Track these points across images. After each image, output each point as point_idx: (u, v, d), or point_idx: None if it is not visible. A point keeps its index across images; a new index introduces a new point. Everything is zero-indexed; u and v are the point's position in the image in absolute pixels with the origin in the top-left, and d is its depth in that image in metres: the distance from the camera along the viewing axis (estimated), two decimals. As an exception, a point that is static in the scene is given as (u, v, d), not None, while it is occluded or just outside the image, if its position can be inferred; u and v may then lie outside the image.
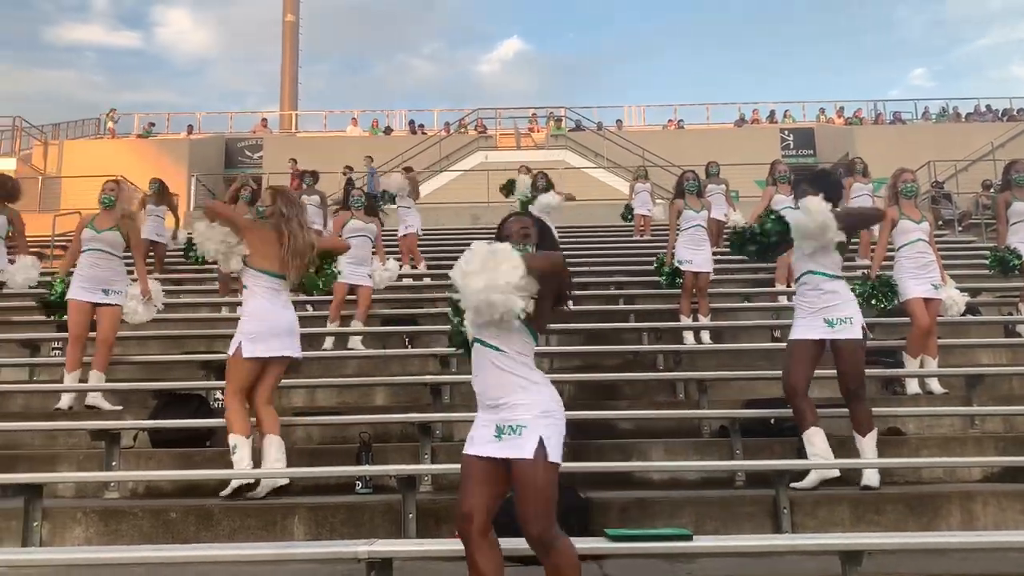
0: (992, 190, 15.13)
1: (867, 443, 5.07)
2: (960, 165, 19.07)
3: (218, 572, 3.96)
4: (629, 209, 14.14)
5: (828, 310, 4.99)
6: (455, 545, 4.01)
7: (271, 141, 25.85)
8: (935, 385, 6.73)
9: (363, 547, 3.53)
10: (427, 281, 11.10)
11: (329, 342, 8.25)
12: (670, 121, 27.79)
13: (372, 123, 27.72)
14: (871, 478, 5.04)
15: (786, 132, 25.52)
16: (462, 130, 26.19)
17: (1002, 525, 4.82)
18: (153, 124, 27.45)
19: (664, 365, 7.75)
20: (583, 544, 3.76)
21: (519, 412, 2.98)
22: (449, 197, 19.75)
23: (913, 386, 6.71)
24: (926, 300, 6.58)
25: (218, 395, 6.53)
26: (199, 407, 6.41)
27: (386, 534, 4.63)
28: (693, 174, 8.77)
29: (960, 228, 13.91)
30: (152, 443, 6.14)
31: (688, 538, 3.60)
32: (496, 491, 3.00)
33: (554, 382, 7.43)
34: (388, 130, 27.30)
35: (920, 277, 6.59)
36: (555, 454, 2.96)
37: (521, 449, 2.92)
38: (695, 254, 8.35)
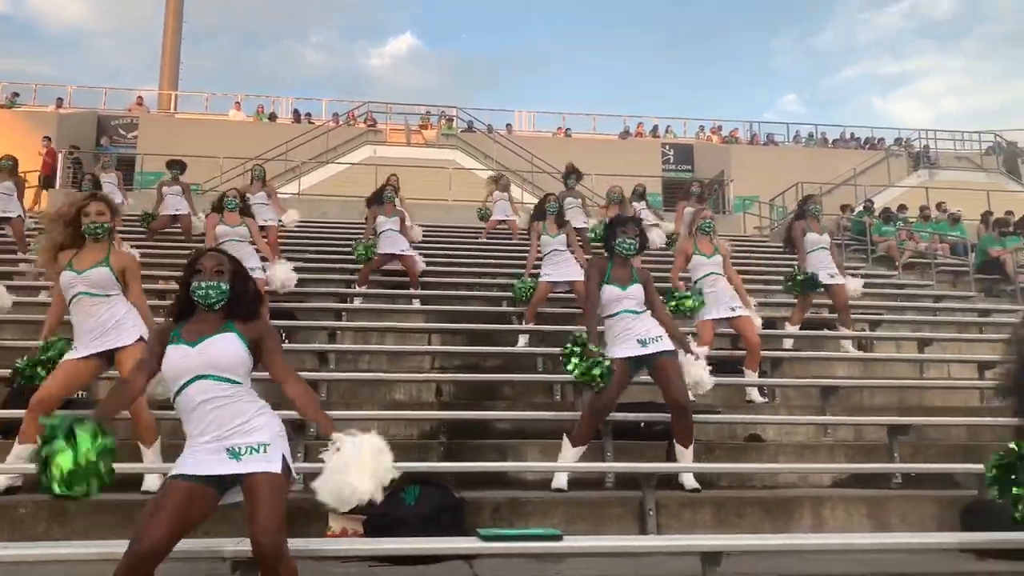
0: (852, 214, 16.17)
1: (689, 454, 5.33)
2: (825, 188, 20.25)
3: (67, 571, 3.75)
4: (486, 213, 13.97)
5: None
6: (324, 544, 3.96)
7: (148, 121, 24.62)
8: (755, 395, 7.12)
9: (230, 546, 3.42)
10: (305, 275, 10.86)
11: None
12: (559, 129, 28.23)
13: (257, 109, 26.85)
14: (691, 481, 5.31)
15: (667, 147, 26.37)
16: (351, 122, 25.74)
17: (848, 528, 5.16)
18: (17, 94, 25.62)
19: (543, 367, 7.87)
20: (455, 543, 3.80)
21: (257, 435, 3.07)
22: (334, 190, 19.37)
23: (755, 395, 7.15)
24: (732, 319, 7.08)
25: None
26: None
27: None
28: (555, 197, 9.10)
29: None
30: (2, 434, 5.75)
31: (558, 538, 3.67)
32: (187, 526, 2.99)
33: (434, 381, 7.48)
34: (273, 117, 26.51)
35: (719, 304, 7.07)
36: (289, 471, 3.11)
37: (269, 463, 3.02)
38: (555, 268, 8.51)
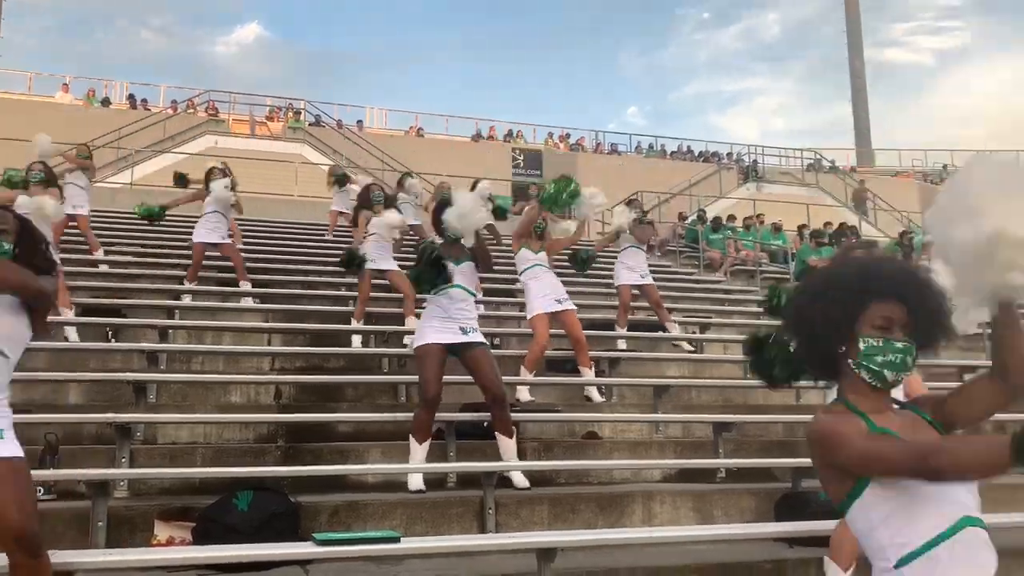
0: (687, 222, 17.09)
1: (512, 445, 5.44)
2: (663, 197, 21.24)
3: None
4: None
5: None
6: (147, 555, 3.77)
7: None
8: (594, 393, 7.30)
9: (38, 560, 3.18)
10: (135, 270, 10.27)
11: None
12: (411, 127, 28.10)
13: (88, 92, 25.08)
14: (521, 479, 5.42)
15: (517, 152, 26.82)
16: (191, 110, 24.52)
17: (676, 521, 5.43)
18: None
19: (388, 368, 7.80)
20: (289, 549, 3.70)
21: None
22: (171, 181, 18.38)
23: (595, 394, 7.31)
24: (557, 312, 7.21)
25: None
26: None
27: (72, 543, 4.21)
28: (378, 186, 9.39)
29: (659, 253, 15.45)
30: None
31: (396, 540, 3.66)
32: None
33: (273, 383, 7.25)
34: (106, 101, 24.86)
35: (546, 295, 7.21)
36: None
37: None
38: (382, 257, 8.56)
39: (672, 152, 29.96)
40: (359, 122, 26.48)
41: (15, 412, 6.03)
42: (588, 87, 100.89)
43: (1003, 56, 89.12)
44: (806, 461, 5.88)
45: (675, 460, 6.38)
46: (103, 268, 10.10)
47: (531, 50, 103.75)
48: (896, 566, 1.78)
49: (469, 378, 7.08)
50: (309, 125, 24.69)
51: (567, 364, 7.77)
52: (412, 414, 6.50)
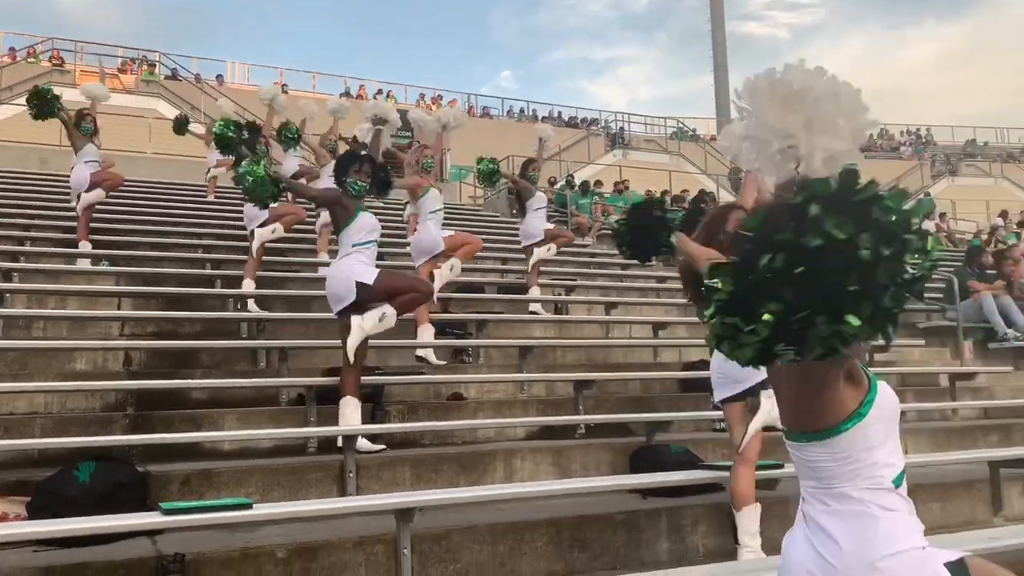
0: (556, 187, 17.34)
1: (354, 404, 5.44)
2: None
3: None
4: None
5: None
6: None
7: None
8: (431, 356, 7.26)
9: None
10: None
11: None
12: (275, 83, 27.05)
13: (-92, 34, 22.83)
14: (364, 444, 5.39)
15: (386, 111, 26.35)
16: (33, 59, 22.72)
17: (535, 477, 5.55)
18: None
19: (248, 333, 7.56)
20: (133, 520, 3.56)
21: None
22: (8, 135, 17.03)
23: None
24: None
25: None
26: None
27: None
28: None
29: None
30: None
31: (248, 507, 3.57)
32: None
33: (123, 349, 6.91)
34: (-71, 45, 22.69)
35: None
36: None
37: None
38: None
39: (543, 117, 30.24)
40: (219, 76, 25.34)
41: None
42: (460, 49, 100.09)
43: (853, 32, 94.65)
44: (660, 416, 6.19)
45: (537, 418, 6.51)
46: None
47: (402, 8, 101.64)
48: (894, 483, 1.94)
49: (335, 342, 7.04)
50: (165, 78, 23.40)
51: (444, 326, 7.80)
52: (270, 379, 6.39)
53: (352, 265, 5.53)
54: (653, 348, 8.66)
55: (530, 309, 8.97)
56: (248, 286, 8.11)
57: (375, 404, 6.00)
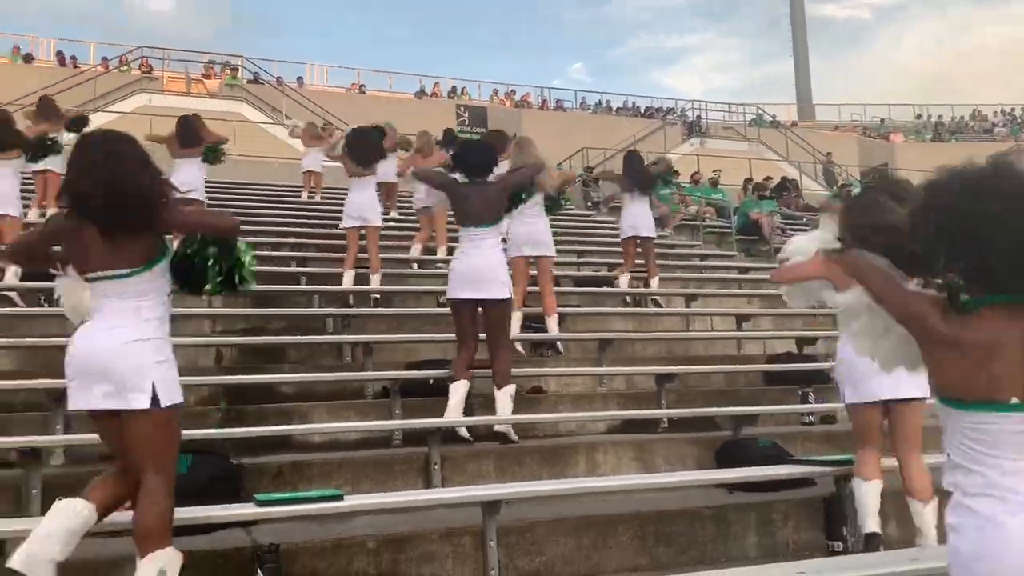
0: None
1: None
2: (609, 153, 21.27)
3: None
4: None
5: None
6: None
7: None
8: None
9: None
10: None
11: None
12: (353, 84, 27.57)
13: (12, 49, 24.00)
14: (504, 428, 5.50)
15: (462, 108, 26.54)
16: (123, 68, 23.67)
17: (618, 471, 5.52)
18: None
19: (332, 328, 7.73)
20: (230, 511, 3.68)
21: None
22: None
23: None
24: None
25: None
26: None
27: (3, 513, 4.12)
28: None
29: (605, 209, 15.52)
30: None
31: (339, 498, 3.66)
32: None
33: (214, 345, 7.14)
34: (29, 57, 23.86)
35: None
36: None
37: None
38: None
39: (618, 108, 29.98)
40: (299, 79, 25.90)
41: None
42: (533, 44, 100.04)
43: (938, 9, 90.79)
44: (746, 409, 6.08)
45: (620, 411, 6.47)
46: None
47: (473, 5, 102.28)
48: None
49: (416, 336, 7.16)
50: (247, 82, 24.06)
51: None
52: (355, 373, 6.53)
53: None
54: (736, 340, 8.50)
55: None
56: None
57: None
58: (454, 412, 5.43)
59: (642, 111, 29.85)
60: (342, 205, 8.95)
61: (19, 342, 6.41)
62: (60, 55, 24.31)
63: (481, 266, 5.53)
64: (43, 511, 4.10)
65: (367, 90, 27.16)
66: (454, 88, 28.53)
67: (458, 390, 5.49)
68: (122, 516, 3.45)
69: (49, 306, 7.40)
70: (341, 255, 8.76)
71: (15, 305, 7.21)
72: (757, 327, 8.86)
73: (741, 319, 8.79)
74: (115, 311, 3.00)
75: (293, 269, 9.25)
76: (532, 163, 6.29)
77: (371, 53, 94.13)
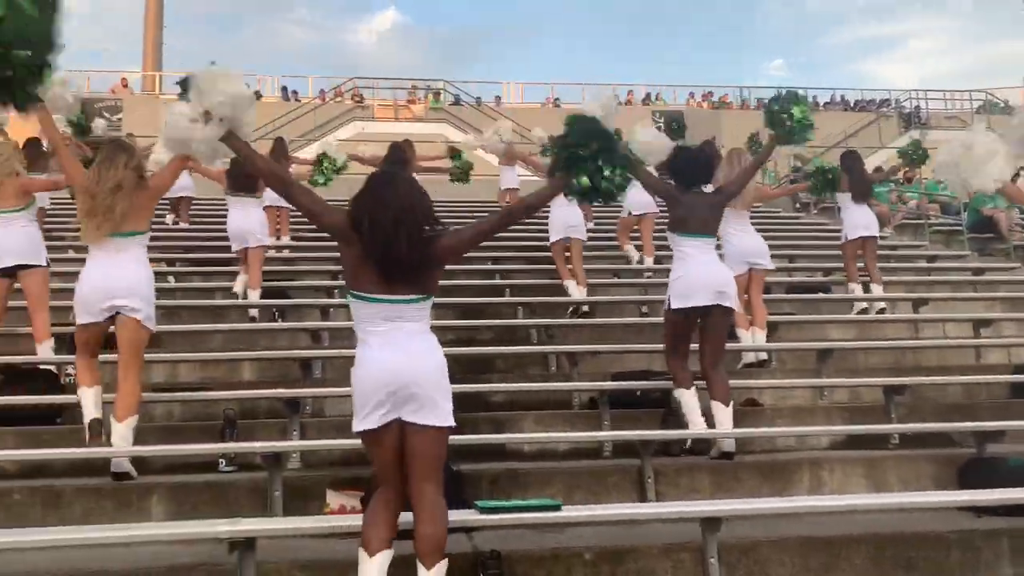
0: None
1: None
2: (818, 151, 20.15)
3: (71, 557, 3.72)
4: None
5: None
6: (322, 522, 3.96)
7: (132, 102, 24.40)
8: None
9: (224, 526, 3.40)
10: (296, 253, 10.80)
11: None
12: (547, 99, 28.04)
13: (242, 88, 26.62)
14: (729, 445, 5.27)
15: (657, 115, 26.17)
16: (338, 99, 25.52)
17: (846, 489, 5.16)
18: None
19: (537, 339, 7.83)
20: (454, 516, 3.77)
21: None
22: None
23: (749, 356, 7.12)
24: None
25: (69, 370, 6.13)
26: (48, 383, 6.00)
27: (251, 513, 4.49)
28: None
29: (815, 211, 14.72)
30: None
31: (557, 508, 3.66)
32: None
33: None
34: (258, 95, 26.28)
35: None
36: None
37: None
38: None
39: (825, 103, 28.37)
40: (497, 98, 26.71)
41: (193, 391, 6.55)
42: (729, 43, 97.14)
43: None
44: (990, 424, 5.48)
45: (843, 426, 6.04)
46: (285, 253, 10.64)
47: (665, 9, 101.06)
48: None
49: (621, 347, 7.09)
50: (449, 105, 25.13)
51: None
52: (562, 384, 6.56)
53: None
54: (975, 349, 7.72)
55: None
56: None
57: (667, 409, 5.92)
58: (697, 421, 5.28)
59: (852, 105, 28.08)
60: (539, 220, 9.06)
61: (261, 354, 7.01)
62: (284, 90, 26.60)
63: (719, 274, 5.42)
64: (285, 512, 4.46)
65: (562, 103, 27.50)
66: (648, 95, 28.28)
67: (693, 399, 5.35)
68: (355, 520, 3.66)
69: (282, 321, 8.10)
70: (543, 268, 8.88)
71: (255, 320, 7.90)
72: (999, 333, 8.00)
73: (979, 324, 7.97)
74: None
75: (498, 282, 9.49)
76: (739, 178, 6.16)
77: (564, 67, 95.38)
